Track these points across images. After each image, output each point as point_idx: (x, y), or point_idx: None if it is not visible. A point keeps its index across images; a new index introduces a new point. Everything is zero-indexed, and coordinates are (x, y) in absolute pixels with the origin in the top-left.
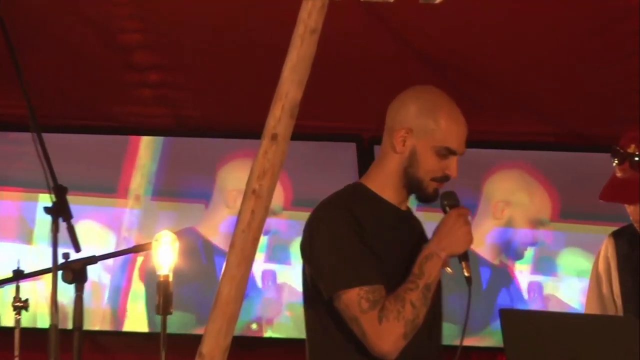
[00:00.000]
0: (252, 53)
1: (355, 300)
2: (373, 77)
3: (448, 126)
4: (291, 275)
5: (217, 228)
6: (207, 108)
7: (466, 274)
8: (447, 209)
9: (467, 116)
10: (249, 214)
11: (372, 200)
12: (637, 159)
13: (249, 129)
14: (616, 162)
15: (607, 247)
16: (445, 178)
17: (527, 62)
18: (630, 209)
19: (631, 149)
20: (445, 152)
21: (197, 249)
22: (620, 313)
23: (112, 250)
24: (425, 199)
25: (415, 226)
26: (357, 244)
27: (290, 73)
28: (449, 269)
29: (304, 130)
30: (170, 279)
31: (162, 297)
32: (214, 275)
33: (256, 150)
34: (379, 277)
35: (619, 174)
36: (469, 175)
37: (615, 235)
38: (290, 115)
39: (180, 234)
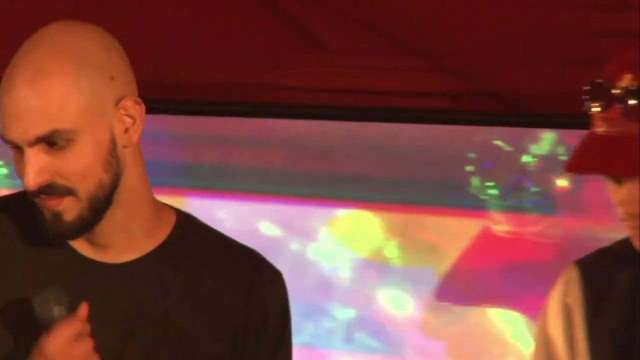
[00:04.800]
0: None
1: None
2: None
3: None
4: None
5: None
6: None
7: None
8: (41, 321)
9: None
10: None
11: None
12: (634, 101)
13: None
14: (598, 108)
15: (567, 288)
16: (38, 192)
17: None
18: (620, 192)
19: (624, 81)
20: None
21: None
22: None
23: None
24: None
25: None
26: None
27: None
28: None
29: None
30: None
31: None
32: None
33: None
34: None
35: (601, 129)
36: None
37: (584, 267)
38: None
39: None
